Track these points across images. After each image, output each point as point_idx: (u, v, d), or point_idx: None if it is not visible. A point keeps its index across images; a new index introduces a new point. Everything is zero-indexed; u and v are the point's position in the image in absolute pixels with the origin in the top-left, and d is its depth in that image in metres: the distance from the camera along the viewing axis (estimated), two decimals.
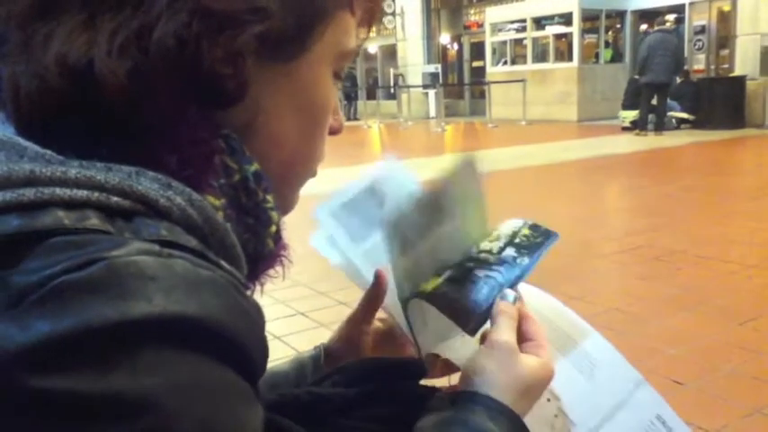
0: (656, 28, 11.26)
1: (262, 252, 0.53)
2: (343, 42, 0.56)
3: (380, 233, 0.64)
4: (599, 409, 0.67)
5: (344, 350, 0.83)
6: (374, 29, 0.63)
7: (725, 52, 12.92)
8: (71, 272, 0.36)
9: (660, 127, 10.92)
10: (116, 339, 0.36)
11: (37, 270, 0.36)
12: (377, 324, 0.85)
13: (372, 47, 21.59)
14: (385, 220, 0.64)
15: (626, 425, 0.68)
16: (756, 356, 2.62)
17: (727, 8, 12.81)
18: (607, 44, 15.77)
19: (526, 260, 0.71)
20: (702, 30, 13.14)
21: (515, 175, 7.71)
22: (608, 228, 5.19)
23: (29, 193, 0.39)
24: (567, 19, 15.00)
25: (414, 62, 19.72)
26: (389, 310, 0.83)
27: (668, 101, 11.19)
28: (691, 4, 13.44)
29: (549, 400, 0.68)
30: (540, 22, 16.00)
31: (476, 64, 19.49)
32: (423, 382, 0.73)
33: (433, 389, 0.70)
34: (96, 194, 0.41)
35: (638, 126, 10.96)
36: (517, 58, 16.80)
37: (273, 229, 0.53)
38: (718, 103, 11.25)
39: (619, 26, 15.93)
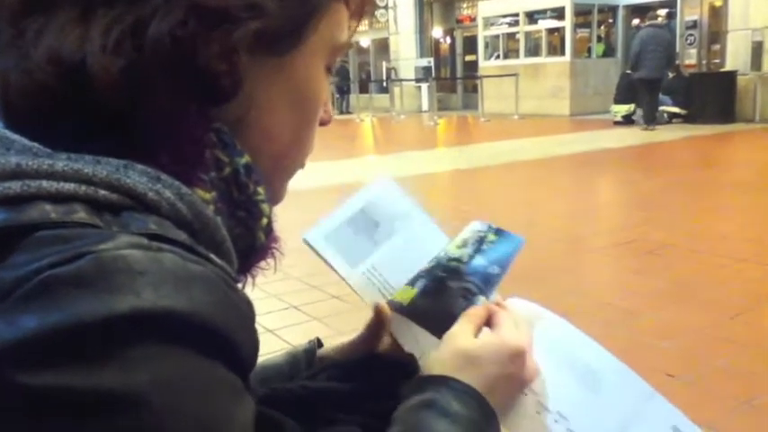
0: (647, 23, 11.26)
1: (253, 245, 0.53)
2: (336, 35, 0.55)
3: (327, 252, 0.72)
4: (607, 425, 0.67)
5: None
6: (366, 22, 0.63)
7: (716, 47, 12.93)
8: (58, 266, 0.36)
9: (651, 122, 10.94)
10: (104, 334, 0.35)
11: (23, 264, 0.36)
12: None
13: (365, 40, 21.54)
14: (311, 239, 0.73)
15: None
16: (746, 349, 2.64)
17: (718, 3, 12.83)
18: (599, 39, 15.78)
19: (497, 269, 0.75)
20: (694, 25, 13.15)
21: (508, 170, 7.72)
22: (600, 222, 5.20)
23: (15, 187, 0.39)
24: (559, 13, 15.00)
25: (406, 56, 19.68)
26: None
27: (660, 95, 11.22)
28: None
29: (525, 394, 0.68)
30: (532, 17, 16.00)
31: (468, 58, 19.46)
32: None
33: None
34: (84, 188, 0.40)
35: (645, 122, 10.92)
36: (510, 53, 16.81)
37: (265, 221, 0.53)
38: (709, 97, 11.28)
39: (611, 21, 15.95)
